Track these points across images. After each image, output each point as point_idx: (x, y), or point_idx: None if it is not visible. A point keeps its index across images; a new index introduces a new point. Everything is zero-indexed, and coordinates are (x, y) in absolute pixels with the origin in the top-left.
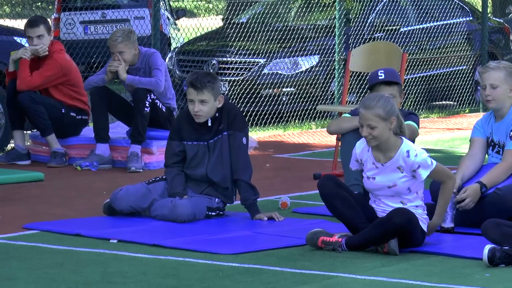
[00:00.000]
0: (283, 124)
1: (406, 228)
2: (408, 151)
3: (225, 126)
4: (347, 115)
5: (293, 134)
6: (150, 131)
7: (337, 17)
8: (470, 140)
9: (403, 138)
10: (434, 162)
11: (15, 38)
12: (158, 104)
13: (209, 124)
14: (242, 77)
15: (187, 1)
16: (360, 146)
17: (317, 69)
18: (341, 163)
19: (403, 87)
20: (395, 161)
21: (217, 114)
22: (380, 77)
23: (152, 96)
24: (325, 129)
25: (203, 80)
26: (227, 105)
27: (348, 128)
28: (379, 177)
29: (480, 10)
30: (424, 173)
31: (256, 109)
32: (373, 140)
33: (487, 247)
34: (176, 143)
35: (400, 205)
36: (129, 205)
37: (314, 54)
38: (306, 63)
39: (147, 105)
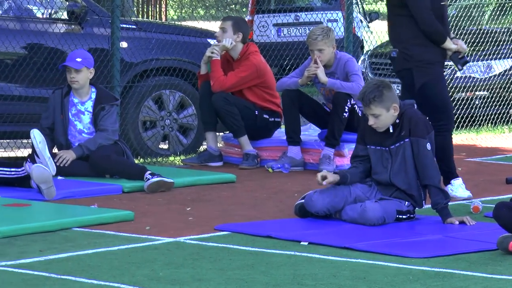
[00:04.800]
0: (475, 128)
1: None
2: None
3: (406, 133)
4: None
5: (485, 138)
6: (343, 134)
7: None
8: None
9: None
10: None
11: (209, 40)
12: (356, 109)
13: (391, 131)
14: None
15: (381, 4)
16: None
17: (511, 72)
18: None
19: None
20: None
21: (397, 120)
22: None
23: (352, 102)
24: None
25: (368, 97)
26: (408, 112)
27: None
28: None
29: None
30: None
31: None
32: None
33: None
34: (361, 147)
35: None
36: (325, 206)
37: (508, 57)
38: (500, 66)
39: (346, 110)
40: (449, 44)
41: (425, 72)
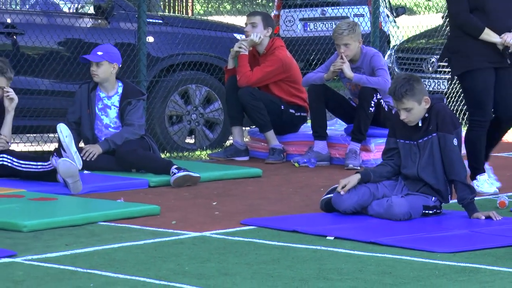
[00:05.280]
0: None
1: None
2: None
3: (434, 127)
4: None
5: None
6: (370, 129)
7: None
8: None
9: None
10: None
11: (235, 35)
12: (382, 104)
13: (420, 125)
14: None
15: None
16: None
17: None
18: None
19: None
20: None
21: (426, 115)
22: None
23: (378, 96)
24: None
25: (400, 91)
26: (436, 106)
27: None
28: None
29: None
30: None
31: None
32: None
33: None
34: (392, 139)
35: None
36: (352, 205)
37: None
38: None
39: (372, 104)
40: (488, 37)
41: (459, 65)
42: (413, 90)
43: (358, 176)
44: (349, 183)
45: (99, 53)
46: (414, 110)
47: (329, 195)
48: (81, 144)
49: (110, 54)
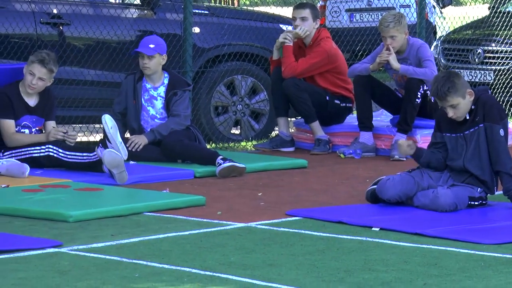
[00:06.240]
0: None
1: None
2: None
3: (481, 118)
4: None
5: None
6: (416, 120)
7: None
8: None
9: None
10: None
11: (281, 25)
12: (428, 95)
13: (467, 117)
14: (508, 66)
15: None
16: None
17: None
18: None
19: None
20: None
21: (473, 106)
22: None
23: (425, 88)
24: None
25: (443, 90)
26: (483, 97)
27: None
28: None
29: None
30: None
31: None
32: None
33: None
34: (439, 134)
35: None
36: (396, 194)
37: None
38: None
39: (418, 96)
40: None
41: None
42: (455, 86)
43: (413, 145)
44: (408, 151)
45: (151, 45)
46: (460, 105)
47: (374, 186)
48: (127, 135)
49: (161, 46)
